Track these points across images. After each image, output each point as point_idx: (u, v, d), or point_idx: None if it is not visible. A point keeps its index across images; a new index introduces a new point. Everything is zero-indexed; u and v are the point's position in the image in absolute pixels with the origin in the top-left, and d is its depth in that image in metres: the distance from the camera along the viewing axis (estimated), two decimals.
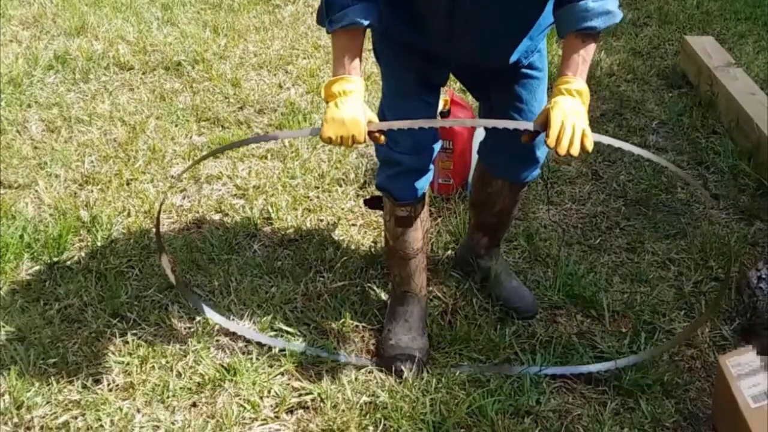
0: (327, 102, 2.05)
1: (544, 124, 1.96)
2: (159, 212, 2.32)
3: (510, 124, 2.04)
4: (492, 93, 2.38)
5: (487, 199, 2.59)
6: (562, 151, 1.91)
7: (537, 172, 2.50)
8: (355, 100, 2.01)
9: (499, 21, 2.11)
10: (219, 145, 3.64)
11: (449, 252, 2.96)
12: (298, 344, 2.50)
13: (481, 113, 2.51)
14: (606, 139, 2.04)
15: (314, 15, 2.11)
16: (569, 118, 1.92)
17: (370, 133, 2.03)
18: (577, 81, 1.99)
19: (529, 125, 2.01)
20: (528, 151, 2.38)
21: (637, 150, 2.09)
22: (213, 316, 2.54)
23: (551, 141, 1.92)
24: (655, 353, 2.46)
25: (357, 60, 2.05)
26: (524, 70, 2.29)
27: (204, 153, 3.61)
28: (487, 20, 2.08)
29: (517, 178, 2.49)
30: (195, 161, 2.23)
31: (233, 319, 2.60)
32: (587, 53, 2.01)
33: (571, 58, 2.00)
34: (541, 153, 2.42)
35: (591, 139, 1.94)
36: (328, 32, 2.05)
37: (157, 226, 2.41)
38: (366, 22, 2.01)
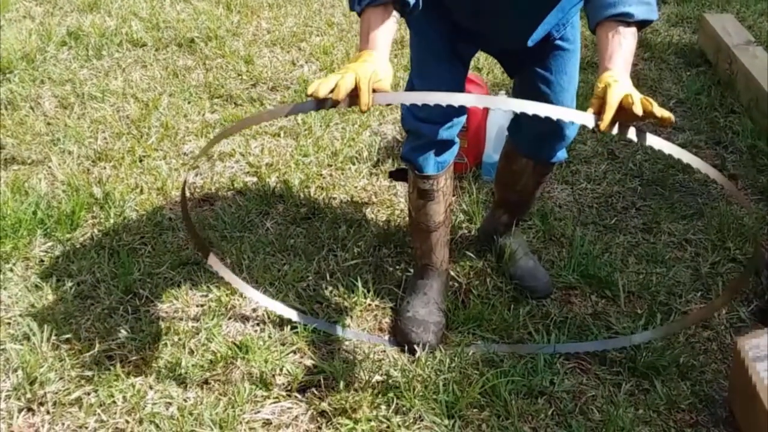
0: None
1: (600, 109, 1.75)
2: (184, 190, 2.26)
3: (561, 113, 1.76)
4: (522, 67, 2.35)
5: (511, 177, 2.57)
6: (638, 109, 1.68)
7: (563, 154, 2.47)
8: (371, 57, 1.83)
9: None
10: (232, 123, 3.63)
11: (463, 231, 2.94)
12: (312, 319, 2.49)
13: (514, 88, 2.47)
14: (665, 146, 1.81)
15: None
16: (635, 92, 1.72)
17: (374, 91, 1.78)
18: (623, 77, 1.78)
19: (587, 117, 1.76)
20: (557, 127, 2.36)
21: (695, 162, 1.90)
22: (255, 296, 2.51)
23: (604, 122, 1.72)
24: (670, 331, 2.44)
25: (384, 39, 1.88)
26: (556, 42, 2.26)
27: (218, 130, 3.59)
28: None
29: (543, 155, 2.46)
30: (215, 139, 2.15)
31: (246, 297, 2.58)
32: (628, 47, 1.82)
33: (608, 52, 1.83)
34: (570, 132, 2.39)
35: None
36: (358, 14, 1.91)
37: (184, 201, 2.33)
38: None
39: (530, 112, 1.72)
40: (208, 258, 2.39)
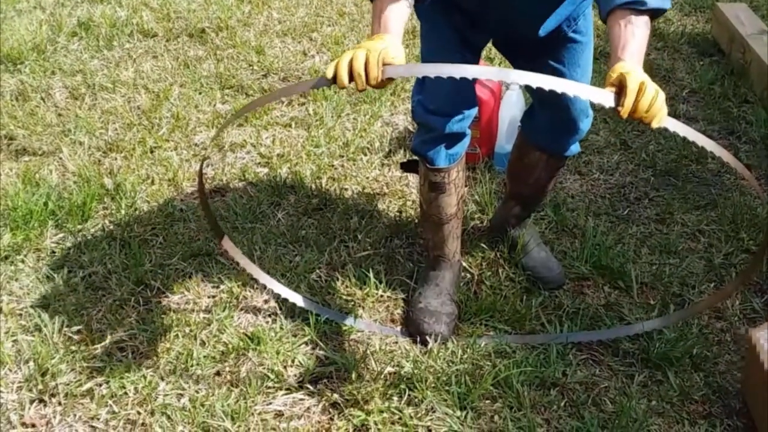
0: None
1: (619, 92, 1.71)
2: (201, 172, 2.24)
3: (579, 90, 1.70)
4: (535, 61, 2.32)
5: (523, 170, 2.56)
6: (640, 112, 1.68)
7: (576, 147, 2.45)
8: (382, 40, 1.79)
9: None
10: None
11: (475, 222, 2.93)
12: (325, 309, 2.49)
13: (531, 90, 2.44)
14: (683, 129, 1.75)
15: None
16: (650, 83, 1.69)
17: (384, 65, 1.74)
18: (637, 67, 1.74)
19: (605, 95, 1.71)
20: (570, 121, 2.34)
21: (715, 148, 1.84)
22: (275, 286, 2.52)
23: (626, 107, 1.67)
24: (682, 317, 2.43)
25: (396, 23, 1.84)
26: (569, 35, 2.24)
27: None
28: None
29: (556, 148, 2.45)
30: (227, 122, 2.13)
31: (257, 288, 2.58)
32: (641, 37, 1.78)
33: (621, 43, 1.79)
34: (584, 125, 2.37)
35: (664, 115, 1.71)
36: (371, 0, 1.89)
37: (201, 183, 2.32)
38: None
39: (546, 87, 1.68)
40: (223, 240, 2.39)
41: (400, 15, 1.86)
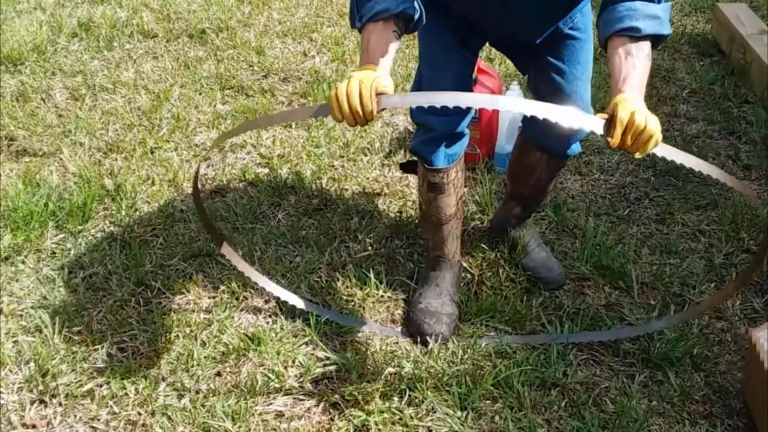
0: None
1: (609, 122, 1.74)
2: (196, 182, 2.25)
3: (570, 119, 1.70)
4: (533, 58, 2.33)
5: (524, 170, 2.55)
6: (627, 144, 1.72)
7: (577, 147, 2.45)
8: (372, 71, 1.80)
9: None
10: (243, 115, 3.62)
11: (475, 222, 2.92)
12: (325, 310, 2.48)
13: (529, 79, 2.44)
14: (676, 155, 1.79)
15: None
16: (641, 113, 1.71)
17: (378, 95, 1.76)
18: (637, 98, 1.77)
19: (596, 122, 1.73)
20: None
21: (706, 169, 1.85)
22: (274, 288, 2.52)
23: (615, 137, 1.71)
24: (683, 318, 2.42)
25: (385, 54, 1.85)
26: (566, 32, 2.24)
27: (229, 122, 3.59)
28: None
29: (557, 148, 2.44)
30: (222, 137, 2.14)
31: (257, 289, 2.58)
32: (641, 68, 1.82)
33: (622, 75, 1.82)
34: None
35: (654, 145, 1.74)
36: (359, 30, 1.89)
37: (196, 192, 2.34)
38: (399, 8, 1.85)
39: (540, 116, 1.69)
40: (222, 247, 2.39)
41: (388, 46, 1.87)
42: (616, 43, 1.88)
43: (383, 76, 1.80)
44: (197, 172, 2.21)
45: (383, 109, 1.79)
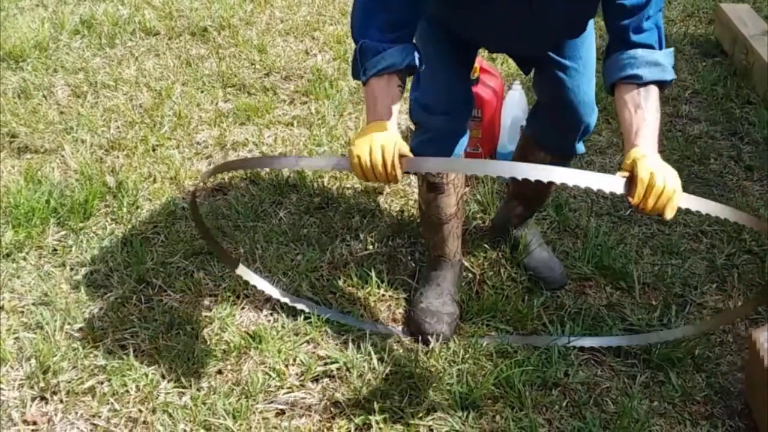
0: None
1: (629, 180, 1.76)
2: (195, 210, 2.28)
3: (590, 181, 1.70)
4: (536, 61, 2.35)
5: None
6: (648, 207, 1.74)
7: (581, 147, 2.45)
8: (384, 129, 1.85)
9: (557, 27, 2.10)
10: (245, 112, 3.62)
11: (477, 221, 2.92)
12: (325, 309, 2.48)
13: (534, 77, 2.44)
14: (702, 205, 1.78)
15: None
16: (660, 172, 1.73)
17: (401, 158, 1.83)
18: (652, 153, 1.79)
19: (616, 182, 1.75)
20: (577, 117, 2.33)
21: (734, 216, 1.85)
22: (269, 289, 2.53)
23: (637, 197, 1.73)
24: (689, 333, 2.39)
25: (393, 109, 1.89)
26: None
27: (231, 119, 3.59)
28: (547, 26, 2.06)
29: (562, 147, 2.44)
30: (214, 170, 2.18)
31: (258, 286, 2.58)
32: (652, 119, 1.85)
33: (633, 128, 1.84)
34: (591, 120, 2.37)
35: (677, 202, 1.75)
36: (363, 83, 1.92)
37: (198, 218, 2.44)
38: (404, 64, 1.89)
39: (558, 181, 1.71)
40: (237, 269, 2.47)
41: (394, 99, 1.91)
42: (621, 90, 1.91)
43: (398, 137, 1.84)
44: (194, 202, 2.23)
45: (407, 173, 1.84)
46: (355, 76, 1.95)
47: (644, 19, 1.91)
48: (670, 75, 1.91)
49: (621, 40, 1.94)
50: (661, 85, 1.91)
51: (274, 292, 2.50)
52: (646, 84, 1.89)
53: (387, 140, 1.81)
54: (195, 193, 2.29)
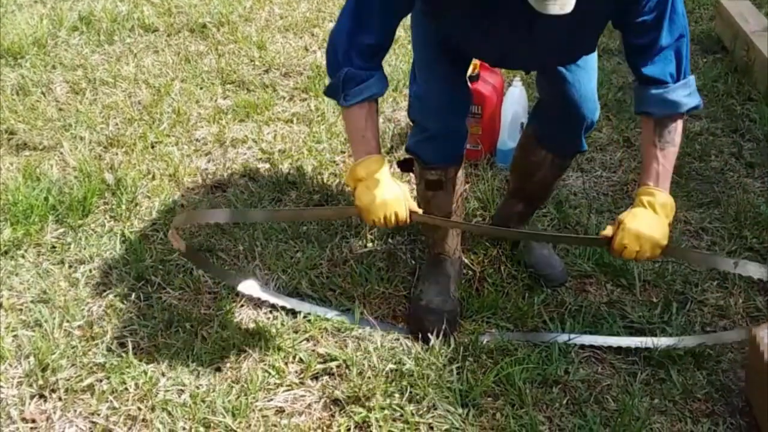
0: (354, 186, 2.06)
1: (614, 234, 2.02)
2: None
3: (576, 241, 2.22)
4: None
5: (528, 169, 2.54)
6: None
7: (584, 144, 2.44)
8: (387, 180, 2.04)
9: (557, 54, 2.14)
10: (244, 109, 3.61)
11: (477, 218, 2.92)
12: (324, 309, 2.48)
13: (537, 78, 2.44)
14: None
15: None
16: (636, 242, 1.99)
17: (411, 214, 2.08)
18: (660, 194, 2.01)
19: (598, 240, 2.11)
20: (580, 112, 2.32)
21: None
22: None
23: (615, 254, 2.04)
24: (693, 343, 2.36)
25: (376, 133, 2.07)
26: None
27: (230, 116, 3.58)
28: (551, 48, 2.07)
29: (566, 144, 2.43)
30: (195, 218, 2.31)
31: (258, 284, 2.58)
32: (667, 159, 2.02)
33: (651, 165, 2.02)
34: (594, 116, 2.36)
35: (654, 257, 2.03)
36: (343, 107, 2.03)
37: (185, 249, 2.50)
38: (383, 91, 2.05)
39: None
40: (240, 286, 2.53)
41: (378, 126, 2.09)
42: (642, 123, 2.08)
43: (401, 189, 2.06)
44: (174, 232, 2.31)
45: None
46: (336, 99, 2.05)
47: (656, 53, 1.94)
48: (684, 107, 1.99)
49: (635, 73, 2.03)
50: (676, 115, 2.00)
51: (286, 302, 2.50)
52: (661, 117, 1.99)
53: (398, 205, 2.03)
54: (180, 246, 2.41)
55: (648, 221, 1.99)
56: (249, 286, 2.53)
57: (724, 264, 2.34)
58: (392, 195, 2.02)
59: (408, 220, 2.06)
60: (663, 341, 2.35)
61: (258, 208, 2.95)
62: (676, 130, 2.00)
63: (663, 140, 2.00)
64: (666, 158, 2.01)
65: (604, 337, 2.39)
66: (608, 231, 2.04)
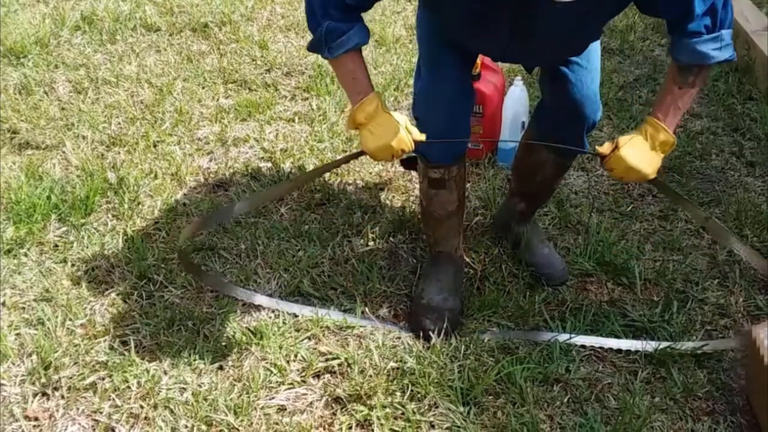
0: (358, 130, 2.12)
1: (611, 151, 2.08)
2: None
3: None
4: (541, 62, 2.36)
5: (530, 168, 2.55)
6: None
7: (586, 144, 2.44)
8: (386, 118, 2.09)
9: (565, 41, 2.12)
10: (246, 108, 3.62)
11: (478, 218, 2.92)
12: (323, 310, 2.48)
13: (540, 78, 2.44)
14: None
15: None
16: (624, 171, 2.08)
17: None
18: (663, 131, 2.04)
19: (595, 153, 2.14)
20: (582, 111, 2.31)
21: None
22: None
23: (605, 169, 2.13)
24: (694, 348, 2.35)
25: (366, 72, 2.12)
26: None
27: (232, 116, 3.59)
28: (553, 41, 2.08)
29: (566, 143, 2.42)
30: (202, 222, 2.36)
31: (260, 282, 2.58)
32: (683, 99, 2.05)
33: (666, 99, 2.05)
34: (596, 115, 2.35)
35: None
36: (327, 59, 2.11)
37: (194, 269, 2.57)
38: (367, 40, 2.09)
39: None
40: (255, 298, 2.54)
41: (366, 70, 2.12)
42: (671, 64, 2.06)
43: (398, 116, 2.11)
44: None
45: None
46: (320, 52, 2.09)
47: (691, 12, 1.92)
48: (712, 60, 1.98)
49: (670, 27, 2.02)
50: (705, 66, 2.01)
51: (293, 308, 2.51)
52: (688, 64, 2.00)
53: (403, 142, 2.09)
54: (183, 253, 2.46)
55: (641, 155, 2.05)
56: (259, 300, 2.53)
57: (696, 214, 2.41)
58: (395, 134, 2.07)
59: (413, 147, 2.14)
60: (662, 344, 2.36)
61: (259, 205, 2.95)
62: (700, 75, 2.02)
63: (684, 81, 2.02)
64: (681, 98, 2.04)
65: (603, 339, 2.39)
66: (605, 148, 2.10)
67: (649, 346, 2.35)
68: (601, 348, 2.37)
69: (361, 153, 2.20)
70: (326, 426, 2.12)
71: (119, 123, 3.53)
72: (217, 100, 3.75)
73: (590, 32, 2.15)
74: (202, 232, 2.75)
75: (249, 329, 2.40)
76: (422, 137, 2.14)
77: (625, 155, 2.04)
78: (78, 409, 2.16)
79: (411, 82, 3.80)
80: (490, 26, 2.02)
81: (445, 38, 2.24)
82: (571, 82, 2.25)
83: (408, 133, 2.10)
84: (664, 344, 2.33)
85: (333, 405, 2.18)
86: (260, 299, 2.51)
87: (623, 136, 2.07)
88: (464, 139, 2.37)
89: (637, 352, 2.35)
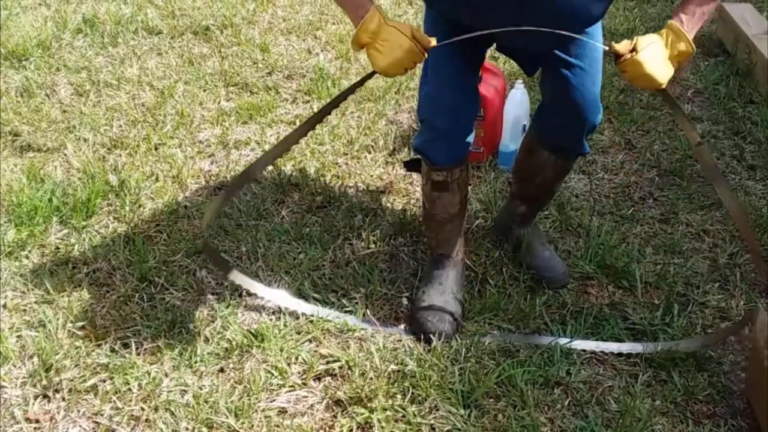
0: (365, 49, 2.03)
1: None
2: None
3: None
4: (544, 55, 2.33)
5: (531, 171, 2.55)
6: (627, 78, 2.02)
7: (586, 147, 2.44)
8: (390, 32, 1.99)
9: (567, 15, 2.07)
10: (247, 111, 3.62)
11: (479, 221, 2.92)
12: (326, 310, 2.48)
13: (541, 80, 2.43)
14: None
15: None
16: (637, 75, 1.98)
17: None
18: (684, 40, 2.01)
19: (610, 49, 2.02)
20: (583, 114, 2.31)
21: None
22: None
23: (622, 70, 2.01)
24: (692, 346, 2.36)
25: None
26: None
27: (233, 118, 3.59)
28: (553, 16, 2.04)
29: (568, 146, 2.42)
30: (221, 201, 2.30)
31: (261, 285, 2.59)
32: (708, 4, 2.01)
33: (690, 3, 2.01)
34: (596, 119, 2.35)
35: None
36: None
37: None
38: None
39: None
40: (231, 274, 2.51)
41: None
42: None
43: (405, 30, 1.99)
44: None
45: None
46: None
47: None
48: None
49: None
50: None
51: (303, 307, 2.51)
52: None
53: (413, 54, 1.99)
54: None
55: (658, 62, 1.99)
56: (278, 296, 2.53)
57: (692, 136, 2.31)
58: (403, 50, 1.98)
59: (425, 56, 2.04)
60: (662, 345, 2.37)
61: (260, 208, 2.95)
62: None
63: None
64: (702, 5, 2.01)
65: (604, 344, 2.39)
66: (622, 47, 1.99)
67: (648, 347, 2.35)
68: (601, 351, 2.37)
69: (374, 73, 2.11)
70: (327, 428, 2.12)
71: (120, 126, 3.53)
72: (219, 102, 3.75)
73: (592, 4, 2.09)
74: (201, 235, 2.76)
75: (250, 332, 2.40)
76: (432, 42, 2.02)
77: (643, 60, 1.96)
78: (79, 411, 2.17)
79: (412, 85, 3.80)
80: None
81: (451, 29, 2.22)
82: (572, 84, 2.25)
83: (417, 44, 1.99)
84: (663, 345, 2.34)
85: (334, 407, 2.18)
86: (279, 297, 2.51)
87: (643, 38, 2.00)
88: (466, 138, 2.36)
89: (637, 355, 2.35)
